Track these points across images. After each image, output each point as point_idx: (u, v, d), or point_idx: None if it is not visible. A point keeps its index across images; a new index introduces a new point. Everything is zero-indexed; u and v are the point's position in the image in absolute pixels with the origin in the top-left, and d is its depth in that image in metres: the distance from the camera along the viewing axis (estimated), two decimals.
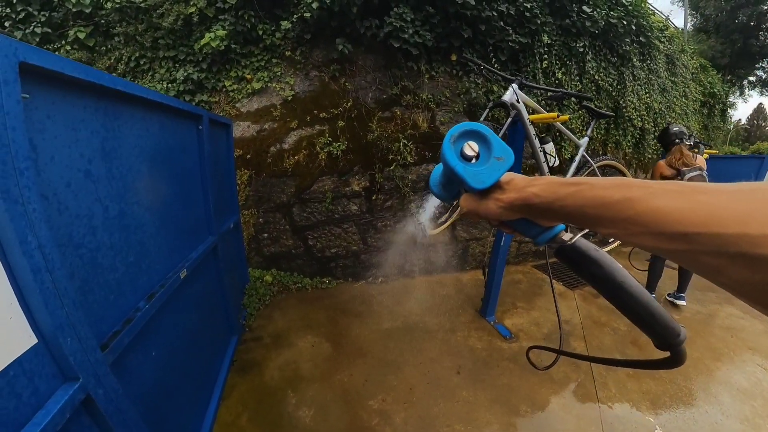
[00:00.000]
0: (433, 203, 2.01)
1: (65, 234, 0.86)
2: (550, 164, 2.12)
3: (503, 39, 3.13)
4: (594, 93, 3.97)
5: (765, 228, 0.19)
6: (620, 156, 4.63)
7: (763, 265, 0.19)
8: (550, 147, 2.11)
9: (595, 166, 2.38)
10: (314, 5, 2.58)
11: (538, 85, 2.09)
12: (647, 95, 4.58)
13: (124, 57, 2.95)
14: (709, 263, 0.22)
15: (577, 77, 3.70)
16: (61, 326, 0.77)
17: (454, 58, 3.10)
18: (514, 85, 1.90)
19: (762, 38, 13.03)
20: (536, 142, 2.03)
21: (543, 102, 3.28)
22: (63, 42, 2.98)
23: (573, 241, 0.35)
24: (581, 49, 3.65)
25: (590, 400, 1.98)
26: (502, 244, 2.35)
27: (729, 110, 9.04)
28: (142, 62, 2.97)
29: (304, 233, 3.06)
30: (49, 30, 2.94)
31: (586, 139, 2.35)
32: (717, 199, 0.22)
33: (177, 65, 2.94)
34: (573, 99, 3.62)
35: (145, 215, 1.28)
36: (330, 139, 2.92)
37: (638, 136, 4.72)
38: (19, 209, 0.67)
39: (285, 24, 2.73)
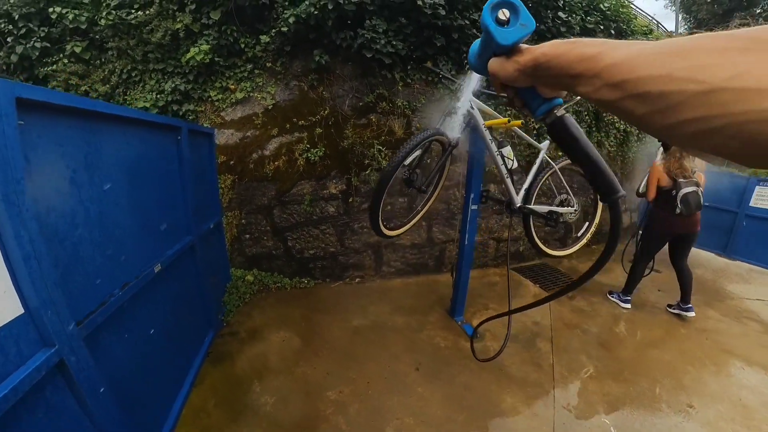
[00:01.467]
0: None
1: (52, 230, 1.11)
2: (509, 166, 2.31)
3: None
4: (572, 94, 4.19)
5: (650, 70, 0.25)
6: (604, 155, 4.82)
7: (645, 99, 0.25)
8: (507, 150, 2.29)
9: (556, 167, 2.47)
10: (291, 20, 2.86)
11: (491, 92, 2.30)
12: None
13: (117, 69, 3.26)
14: (630, 108, 0.27)
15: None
16: (44, 302, 1.02)
17: (429, 65, 3.36)
18: (471, 95, 2.12)
19: None
20: (493, 146, 2.21)
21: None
22: (61, 55, 3.31)
23: (563, 115, 0.44)
24: None
25: (547, 400, 2.08)
26: (467, 243, 2.56)
27: None
28: (133, 74, 3.28)
29: (284, 234, 3.32)
30: (48, 44, 3.28)
31: (547, 142, 2.49)
32: (643, 51, 0.26)
33: (166, 77, 3.24)
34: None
35: (123, 216, 1.54)
36: (308, 146, 3.18)
37: (622, 138, 4.91)
38: (15, 210, 0.93)
39: (264, 38, 3.02)
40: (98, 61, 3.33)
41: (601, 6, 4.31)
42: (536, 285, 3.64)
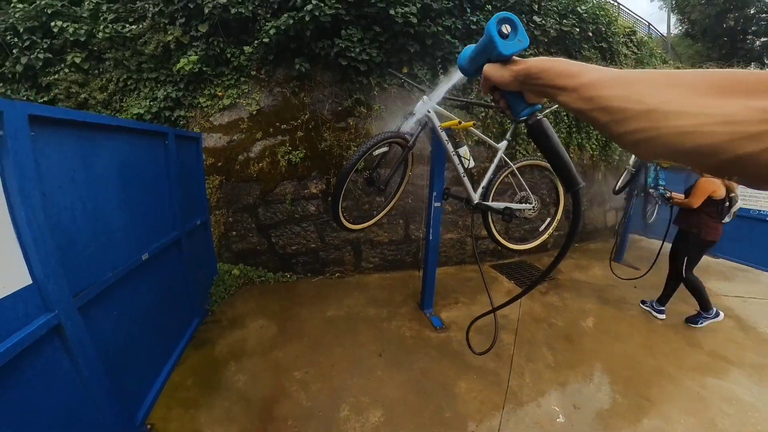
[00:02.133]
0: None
1: (55, 220, 1.43)
2: (465, 166, 2.51)
3: (451, 51, 3.67)
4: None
5: (613, 92, 0.36)
6: (586, 158, 5.06)
7: (607, 112, 0.37)
8: (463, 150, 2.49)
9: (514, 167, 2.64)
10: (272, 31, 3.18)
11: (447, 96, 2.40)
12: None
13: (114, 78, 3.62)
14: (597, 117, 0.38)
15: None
16: (47, 276, 1.33)
17: (405, 70, 3.65)
18: (425, 97, 2.31)
19: (749, 42, 13.25)
20: (449, 146, 2.43)
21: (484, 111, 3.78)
22: (62, 65, 3.67)
23: (541, 118, 0.53)
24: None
25: (500, 387, 2.24)
26: (431, 238, 2.84)
27: None
28: (129, 83, 3.63)
29: (268, 232, 3.63)
30: (50, 55, 3.64)
31: (505, 142, 2.62)
32: (610, 76, 0.38)
33: (158, 85, 3.59)
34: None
35: (115, 210, 1.85)
36: (290, 148, 3.49)
37: (604, 140, 5.14)
38: (27, 201, 1.24)
39: (248, 49, 3.34)
40: (97, 71, 3.69)
41: (578, 9, 4.58)
42: (510, 281, 3.89)
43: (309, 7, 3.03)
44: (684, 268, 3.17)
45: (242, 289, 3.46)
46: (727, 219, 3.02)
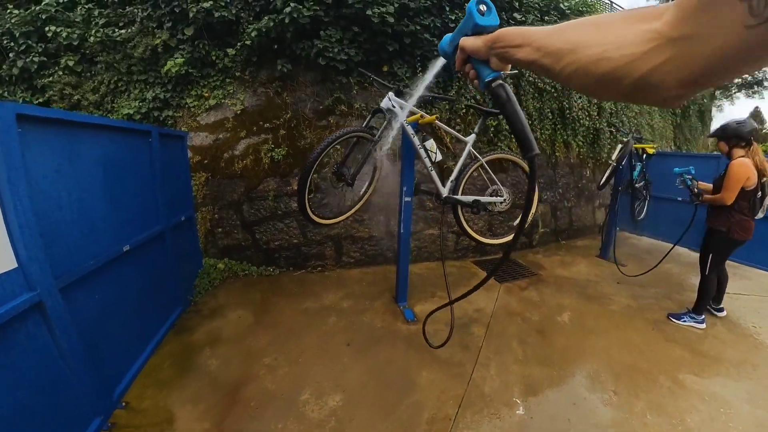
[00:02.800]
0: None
1: (41, 207, 1.64)
2: (432, 159, 2.62)
3: (430, 49, 3.84)
4: (536, 95, 4.60)
5: (553, 39, 0.45)
6: (573, 155, 5.21)
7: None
8: (430, 144, 2.59)
9: (483, 161, 2.70)
10: (253, 33, 3.41)
11: (411, 91, 2.45)
12: None
13: (105, 80, 3.87)
14: (544, 62, 0.46)
15: (512, 81, 4.36)
16: (31, 259, 1.55)
17: (385, 69, 3.85)
18: (391, 93, 2.42)
19: None
20: (415, 140, 2.53)
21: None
22: (56, 68, 3.93)
23: (502, 82, 0.60)
24: None
25: (463, 378, 2.30)
26: (402, 232, 3.02)
27: (711, 111, 9.32)
28: (119, 84, 3.89)
29: (252, 228, 3.84)
30: (45, 59, 3.91)
31: (473, 136, 2.68)
32: (552, 29, 0.46)
33: (147, 87, 3.83)
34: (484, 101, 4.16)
35: (98, 203, 2.07)
36: (273, 146, 3.71)
37: (592, 136, 5.28)
38: (15, 189, 1.46)
39: (231, 51, 3.57)
40: (89, 73, 3.95)
41: (561, 5, 4.74)
42: (491, 277, 4.01)
43: (288, 9, 3.25)
44: (708, 266, 2.98)
45: (226, 282, 3.68)
46: (760, 214, 2.75)
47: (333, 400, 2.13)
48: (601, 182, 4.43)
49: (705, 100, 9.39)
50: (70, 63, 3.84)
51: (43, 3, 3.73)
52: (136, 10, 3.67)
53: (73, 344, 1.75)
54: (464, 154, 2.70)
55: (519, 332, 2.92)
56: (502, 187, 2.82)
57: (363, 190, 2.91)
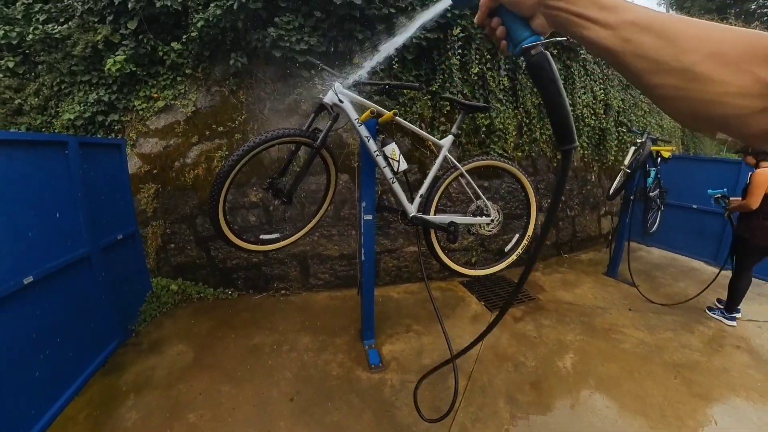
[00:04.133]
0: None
1: None
2: (395, 168, 2.21)
3: (409, 37, 3.50)
4: (535, 90, 4.18)
5: (655, 40, 0.37)
6: (577, 158, 4.75)
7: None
8: (391, 149, 2.21)
9: (462, 169, 2.34)
10: (199, 24, 3.15)
11: (362, 81, 2.14)
12: (603, 92, 4.70)
13: (47, 82, 3.71)
14: (630, 62, 0.39)
15: (507, 73, 3.96)
16: None
17: (356, 61, 3.52)
18: (337, 84, 2.06)
19: None
20: (371, 144, 2.16)
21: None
22: None
23: (544, 51, 0.48)
24: None
25: None
26: (364, 259, 2.69)
27: None
28: (63, 87, 3.72)
29: (207, 244, 3.61)
30: None
31: (450, 137, 2.31)
32: (654, 21, 0.38)
33: (91, 88, 3.64)
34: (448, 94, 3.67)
35: None
36: (227, 152, 3.45)
37: (598, 137, 4.83)
38: None
39: (176, 45, 3.33)
40: (32, 75, 3.79)
41: None
42: (481, 302, 3.64)
43: None
44: (737, 267, 3.28)
45: (178, 307, 3.46)
46: None
47: None
48: (611, 191, 4.05)
49: None
50: (11, 64, 3.69)
51: None
52: (76, 4, 3.47)
53: None
54: (437, 161, 2.33)
55: (508, 385, 2.47)
56: (489, 204, 2.43)
57: (316, 208, 2.60)
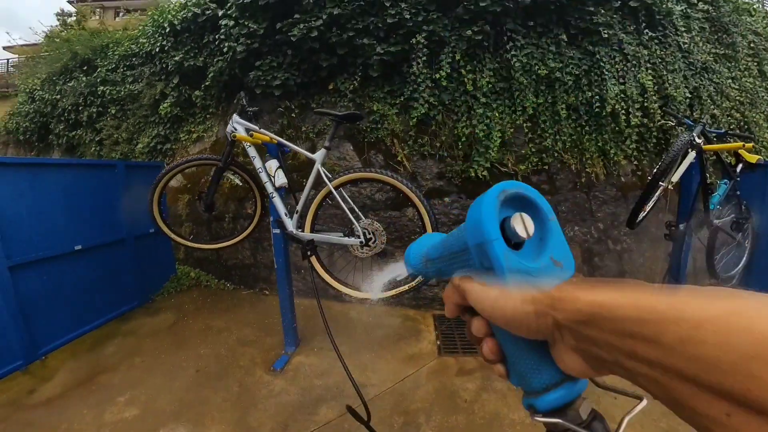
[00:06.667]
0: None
1: (8, 219, 2.96)
2: (274, 183, 2.59)
3: (371, 55, 4.01)
4: (537, 87, 3.94)
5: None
6: (621, 171, 4.19)
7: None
8: (268, 165, 2.59)
9: (330, 185, 2.33)
10: (210, 75, 4.58)
11: (250, 108, 2.88)
12: (655, 80, 3.98)
13: (131, 123, 5.70)
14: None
15: (499, 72, 3.95)
16: None
17: (331, 87, 4.46)
18: (235, 115, 2.73)
19: None
20: (256, 162, 2.64)
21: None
22: (107, 117, 5.93)
23: (594, 418, 0.30)
24: (479, 38, 3.78)
25: None
26: (276, 266, 3.15)
27: None
28: (139, 125, 5.67)
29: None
30: (102, 109, 5.95)
31: (323, 151, 2.41)
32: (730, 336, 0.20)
33: (154, 126, 5.45)
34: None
35: (56, 215, 3.37)
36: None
37: (655, 140, 4.15)
38: None
39: (198, 92, 4.85)
40: (123, 117, 5.85)
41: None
42: (437, 341, 3.36)
43: (225, 48, 4.30)
44: None
45: (191, 289, 4.82)
46: None
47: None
48: (630, 214, 2.73)
49: None
50: (113, 111, 5.79)
51: (98, 70, 5.81)
52: (145, 69, 5.36)
53: (11, 306, 2.95)
54: (312, 175, 2.46)
55: None
56: (358, 224, 2.33)
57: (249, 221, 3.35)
